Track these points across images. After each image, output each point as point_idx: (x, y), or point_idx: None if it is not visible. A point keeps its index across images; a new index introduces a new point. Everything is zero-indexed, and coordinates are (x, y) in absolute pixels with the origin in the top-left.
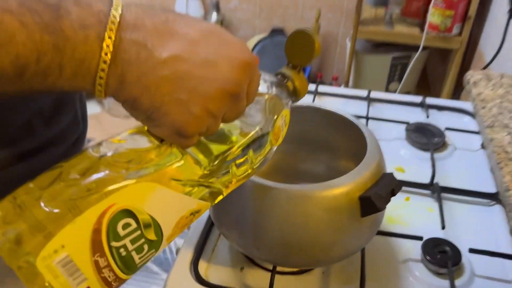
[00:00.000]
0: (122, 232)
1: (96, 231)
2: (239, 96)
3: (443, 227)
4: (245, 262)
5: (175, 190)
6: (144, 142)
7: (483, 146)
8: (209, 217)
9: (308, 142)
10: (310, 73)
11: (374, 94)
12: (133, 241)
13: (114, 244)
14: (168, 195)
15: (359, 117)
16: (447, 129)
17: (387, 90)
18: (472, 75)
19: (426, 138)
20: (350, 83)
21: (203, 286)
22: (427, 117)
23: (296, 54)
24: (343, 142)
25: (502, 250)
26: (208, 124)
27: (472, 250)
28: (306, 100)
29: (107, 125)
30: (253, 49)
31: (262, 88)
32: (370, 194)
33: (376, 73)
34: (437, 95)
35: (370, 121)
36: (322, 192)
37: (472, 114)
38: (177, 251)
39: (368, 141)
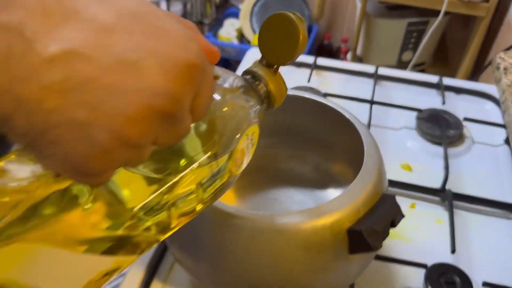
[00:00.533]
0: None
1: None
2: (177, 116)
3: (453, 251)
4: None
5: (74, 251)
6: (27, 171)
7: (507, 142)
8: None
9: (296, 137)
10: (318, 33)
11: (383, 71)
12: None
13: None
14: (62, 258)
15: (363, 100)
16: (466, 119)
17: (399, 60)
18: (504, 58)
19: (440, 129)
20: (359, 50)
21: None
22: (443, 103)
23: (273, 47)
24: (338, 141)
25: None
26: (126, 157)
27: (486, 284)
28: (301, 78)
29: None
30: (254, 6)
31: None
32: (361, 227)
33: (388, 40)
34: (455, 68)
35: (375, 106)
36: (299, 224)
37: (496, 100)
38: None
39: (366, 150)
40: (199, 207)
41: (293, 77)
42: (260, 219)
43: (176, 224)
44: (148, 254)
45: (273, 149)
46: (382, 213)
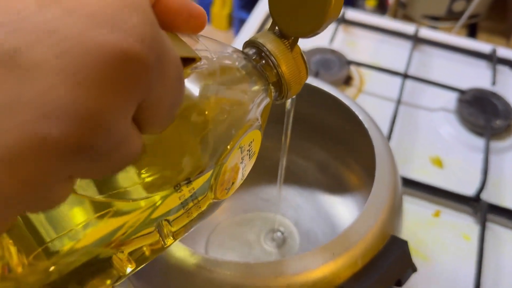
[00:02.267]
0: None
1: None
2: (100, 147)
3: (478, 275)
4: None
5: None
6: None
7: None
8: None
9: (302, 125)
10: None
11: (424, 33)
12: None
13: None
14: None
15: (395, 72)
16: None
17: (449, 10)
18: None
19: (485, 116)
20: None
21: None
22: (493, 83)
23: (291, 10)
24: (349, 140)
25: None
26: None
27: None
28: (323, 35)
29: None
30: None
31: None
32: None
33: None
34: None
35: (408, 81)
36: (278, 278)
37: None
38: None
39: (378, 169)
40: (165, 246)
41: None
42: (230, 269)
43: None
44: None
45: (272, 138)
46: (387, 268)
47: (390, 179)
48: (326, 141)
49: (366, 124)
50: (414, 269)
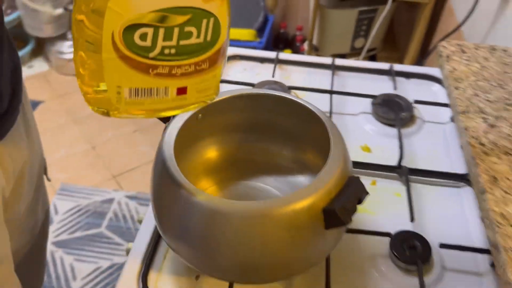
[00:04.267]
0: None
1: None
2: None
3: (411, 219)
4: None
5: None
6: None
7: (453, 119)
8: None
9: (270, 132)
10: (274, 23)
11: (339, 62)
12: None
13: None
14: None
15: (323, 90)
16: (416, 101)
17: (352, 47)
18: (446, 47)
19: (394, 112)
20: (314, 40)
21: None
22: (395, 88)
23: None
24: (307, 133)
25: (473, 241)
26: None
27: (443, 246)
28: (266, 73)
29: (56, 84)
30: None
31: None
32: (335, 207)
33: (341, 29)
34: (404, 52)
35: (335, 95)
36: (281, 208)
37: (442, 82)
38: (140, 221)
39: (332, 140)
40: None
41: (258, 72)
42: (247, 207)
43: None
44: (143, 248)
45: (249, 144)
46: (351, 193)
47: (342, 145)
48: (289, 139)
49: (318, 113)
50: (366, 192)
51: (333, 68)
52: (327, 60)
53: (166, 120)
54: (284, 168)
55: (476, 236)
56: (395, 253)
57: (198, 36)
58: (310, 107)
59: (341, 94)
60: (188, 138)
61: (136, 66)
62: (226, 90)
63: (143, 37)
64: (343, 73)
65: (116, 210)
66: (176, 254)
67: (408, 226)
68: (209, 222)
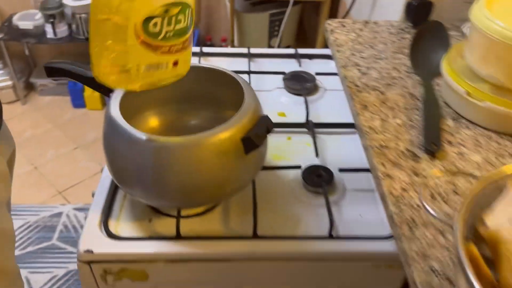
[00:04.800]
0: None
1: None
2: None
3: (317, 155)
4: (152, 214)
5: None
6: None
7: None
8: (112, 181)
9: (196, 100)
10: (199, 37)
11: (254, 50)
12: None
13: None
14: None
15: (242, 72)
16: (317, 74)
17: (269, 45)
18: (330, 24)
19: (300, 84)
20: (236, 43)
21: (115, 240)
22: (300, 66)
23: None
24: (227, 95)
25: (364, 166)
26: None
27: (341, 170)
28: (192, 62)
29: None
30: None
31: None
32: (249, 134)
33: (257, 30)
34: (313, 45)
35: (252, 75)
36: (210, 138)
37: None
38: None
39: (245, 91)
40: None
41: None
42: (185, 139)
43: None
44: (101, 202)
45: (184, 112)
46: (261, 125)
47: (254, 95)
48: (213, 105)
49: (235, 76)
50: (273, 125)
51: (249, 56)
52: (244, 50)
53: (110, 92)
54: (212, 126)
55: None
56: (305, 180)
57: (185, 21)
58: (229, 73)
59: (258, 74)
60: (130, 111)
61: (150, 47)
62: None
63: (155, 25)
64: (258, 59)
65: (65, 223)
66: (131, 196)
67: (315, 161)
68: (155, 158)
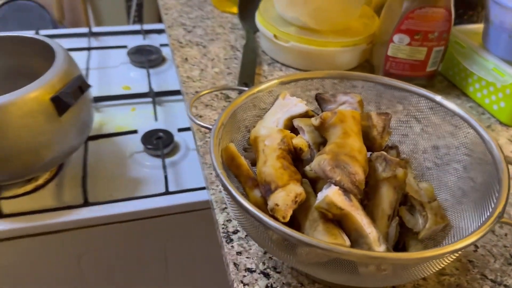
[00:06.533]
0: None
1: None
2: None
3: (156, 120)
4: None
5: None
6: None
7: None
8: None
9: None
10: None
11: (96, 29)
12: None
13: None
14: None
15: (82, 48)
16: (162, 45)
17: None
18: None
19: (144, 58)
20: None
21: None
22: (144, 39)
23: None
24: (43, 66)
25: None
26: None
27: (179, 130)
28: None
29: None
30: None
31: None
32: (58, 94)
33: (114, 15)
34: None
35: (93, 51)
36: (15, 100)
37: None
38: None
39: (56, 53)
40: None
41: None
42: None
43: None
44: None
45: None
46: (73, 85)
47: (67, 55)
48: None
49: (48, 41)
50: (87, 84)
51: (90, 34)
52: (85, 30)
53: None
54: None
55: None
56: (146, 145)
57: None
58: (39, 38)
59: (100, 49)
60: None
61: None
62: None
63: None
64: (103, 37)
65: None
66: None
67: (155, 126)
68: None
